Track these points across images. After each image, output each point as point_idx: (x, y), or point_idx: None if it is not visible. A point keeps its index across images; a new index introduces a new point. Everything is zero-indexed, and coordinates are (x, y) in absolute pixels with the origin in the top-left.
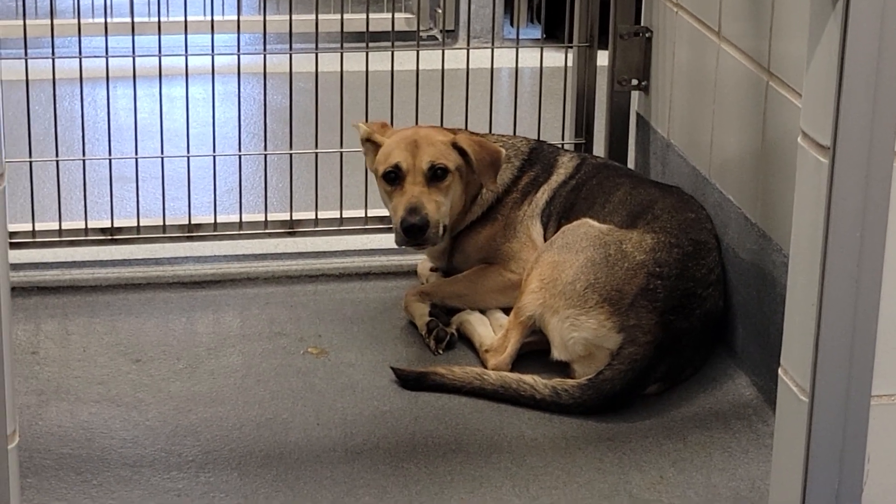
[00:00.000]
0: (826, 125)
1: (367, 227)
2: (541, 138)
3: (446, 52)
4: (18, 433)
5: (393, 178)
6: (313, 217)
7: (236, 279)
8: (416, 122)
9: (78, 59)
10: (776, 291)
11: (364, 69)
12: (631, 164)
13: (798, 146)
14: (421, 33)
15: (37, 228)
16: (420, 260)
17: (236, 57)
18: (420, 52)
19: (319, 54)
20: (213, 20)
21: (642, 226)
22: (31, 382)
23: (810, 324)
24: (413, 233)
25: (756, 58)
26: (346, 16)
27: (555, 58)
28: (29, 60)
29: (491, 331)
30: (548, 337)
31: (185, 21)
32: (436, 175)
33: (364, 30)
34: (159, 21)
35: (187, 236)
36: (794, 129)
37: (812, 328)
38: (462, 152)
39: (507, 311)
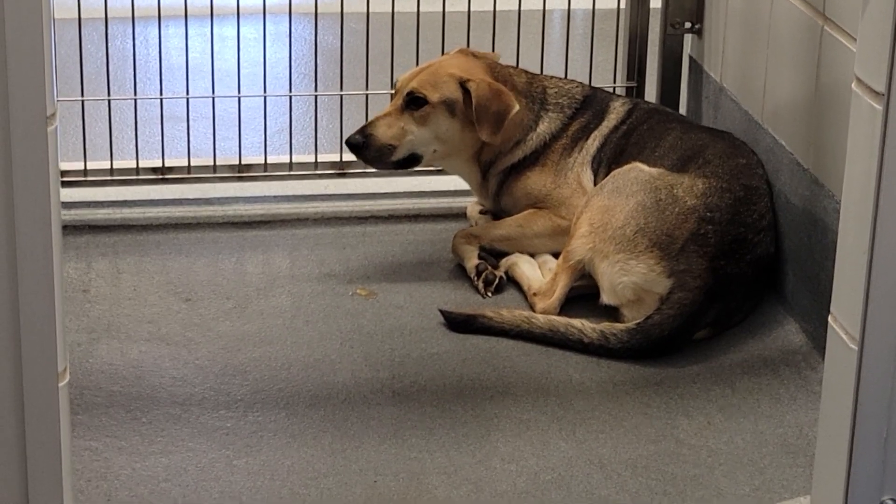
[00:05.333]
0: (881, 71)
1: (418, 168)
2: (592, 81)
3: None
4: (69, 371)
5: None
6: None
7: (286, 220)
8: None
9: None
10: (827, 238)
11: (415, 10)
12: (683, 108)
13: (852, 92)
14: None
15: (88, 167)
16: (470, 202)
17: None
18: None
19: None
20: None
21: (693, 171)
22: (81, 320)
23: (861, 271)
24: (351, 148)
25: (811, 1)
26: None
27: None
28: None
29: (540, 274)
30: (597, 281)
31: None
32: (413, 102)
33: None
34: None
35: (237, 176)
36: (848, 75)
37: (863, 276)
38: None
39: (556, 255)
